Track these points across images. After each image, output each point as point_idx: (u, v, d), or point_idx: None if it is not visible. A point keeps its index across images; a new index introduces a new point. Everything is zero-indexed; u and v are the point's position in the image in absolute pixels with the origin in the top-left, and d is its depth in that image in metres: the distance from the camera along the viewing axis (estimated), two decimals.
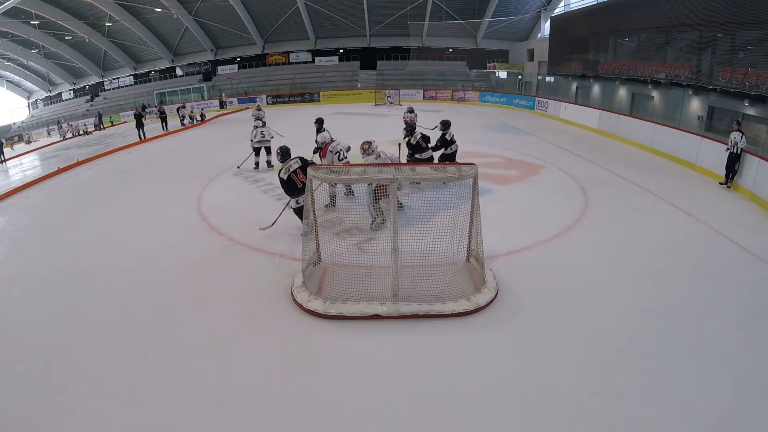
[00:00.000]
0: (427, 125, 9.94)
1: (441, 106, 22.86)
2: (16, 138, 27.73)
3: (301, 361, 3.58)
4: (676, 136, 10.46)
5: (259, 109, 15.62)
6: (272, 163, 10.01)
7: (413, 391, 3.24)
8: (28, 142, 27.11)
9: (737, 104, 11.09)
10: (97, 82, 35.33)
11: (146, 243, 6.15)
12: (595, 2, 18.67)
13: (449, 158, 8.12)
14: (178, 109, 21.77)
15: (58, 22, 27.98)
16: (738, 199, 7.59)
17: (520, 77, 24.93)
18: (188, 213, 7.30)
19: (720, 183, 8.26)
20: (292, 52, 31.39)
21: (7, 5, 22.60)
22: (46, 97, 38.32)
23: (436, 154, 8.19)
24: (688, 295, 4.44)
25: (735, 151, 7.85)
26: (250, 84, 30.77)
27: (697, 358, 3.53)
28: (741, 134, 7.76)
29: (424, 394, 3.21)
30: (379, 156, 6.39)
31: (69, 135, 23.60)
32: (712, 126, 12.09)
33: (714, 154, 8.70)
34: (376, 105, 24.23)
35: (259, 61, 31.87)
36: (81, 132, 24.02)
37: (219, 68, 32.36)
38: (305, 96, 27.71)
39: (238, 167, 10.08)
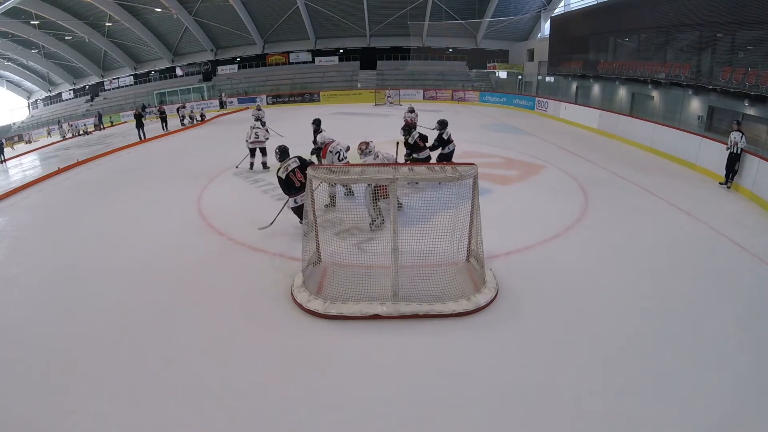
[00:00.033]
0: (428, 125, 9.93)
1: (441, 106, 22.85)
2: (16, 138, 27.75)
3: (301, 361, 3.58)
4: (676, 136, 10.46)
5: (259, 109, 15.60)
6: (267, 165, 9.83)
7: (413, 391, 3.24)
8: (29, 142, 27.13)
9: (737, 104, 11.09)
10: (97, 82, 35.33)
11: (146, 243, 6.15)
12: (595, 2, 18.67)
13: (446, 158, 8.13)
14: (178, 109, 21.77)
15: (58, 22, 27.99)
16: (738, 199, 7.59)
17: (520, 77, 24.94)
18: (188, 213, 7.30)
19: (720, 183, 8.26)
20: (292, 52, 31.40)
21: (7, 5, 22.61)
22: (46, 97, 38.33)
23: (434, 154, 8.20)
24: (688, 295, 4.44)
25: (735, 151, 7.84)
26: (250, 84, 30.77)
27: (697, 358, 3.53)
28: (741, 134, 7.76)
29: (424, 394, 3.21)
30: (377, 156, 6.39)
31: (69, 135, 23.61)
32: (712, 126, 12.10)
33: (714, 154, 8.70)
34: (376, 105, 24.23)
35: (259, 61, 31.87)
36: (81, 132, 24.03)
37: (219, 68, 32.36)
38: (305, 96, 27.71)
39: (237, 167, 10.09)
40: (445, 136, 8.10)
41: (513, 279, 4.68)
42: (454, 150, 8.24)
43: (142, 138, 16.53)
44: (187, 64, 32.89)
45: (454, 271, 4.65)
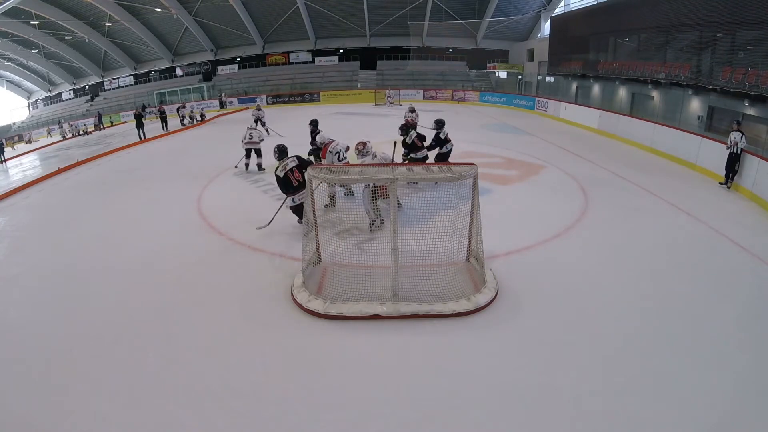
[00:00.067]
0: (428, 125, 9.93)
1: (441, 106, 22.85)
2: (16, 138, 27.76)
3: (301, 361, 3.58)
4: (676, 136, 10.46)
5: (259, 109, 15.63)
6: (263, 166, 9.75)
7: (413, 391, 3.24)
8: (29, 142, 27.13)
9: (737, 104, 11.09)
10: (97, 82, 35.34)
11: (146, 243, 6.15)
12: (595, 2, 18.68)
13: (444, 157, 8.14)
14: (178, 109, 21.76)
15: (58, 22, 27.99)
16: (738, 199, 7.59)
17: (520, 77, 24.93)
18: (188, 213, 7.30)
19: (720, 183, 8.26)
20: (292, 52, 31.40)
21: (7, 5, 22.61)
22: (46, 97, 38.33)
23: (432, 154, 8.19)
24: (688, 295, 4.44)
25: (735, 151, 7.84)
26: (250, 84, 30.77)
27: (697, 358, 3.53)
28: (741, 134, 7.76)
29: (424, 394, 3.21)
30: (375, 156, 6.39)
31: (69, 135, 23.61)
32: (712, 126, 12.10)
33: (714, 154, 8.70)
34: (376, 105, 24.23)
35: (259, 61, 31.87)
36: (81, 132, 24.03)
37: (219, 68, 32.36)
38: (305, 96, 27.71)
39: (236, 167, 10.12)
40: (442, 136, 8.10)
41: (513, 279, 4.68)
42: (451, 149, 8.25)
43: (142, 138, 16.53)
44: (187, 64, 32.89)
45: (454, 271, 4.65)
